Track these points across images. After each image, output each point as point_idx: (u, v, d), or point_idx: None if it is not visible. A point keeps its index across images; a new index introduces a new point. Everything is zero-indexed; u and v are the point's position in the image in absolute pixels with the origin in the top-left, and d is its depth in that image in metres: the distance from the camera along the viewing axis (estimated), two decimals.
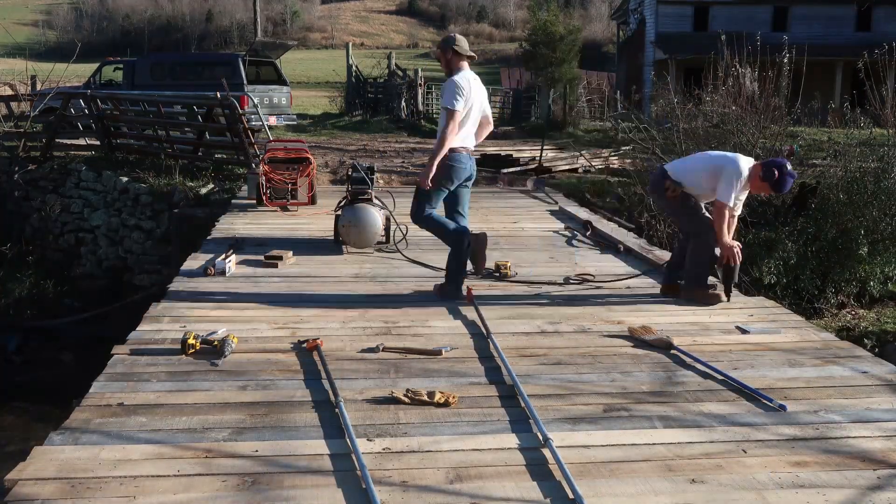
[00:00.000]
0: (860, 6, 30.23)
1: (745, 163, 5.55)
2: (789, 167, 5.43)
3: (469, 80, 5.72)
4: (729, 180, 5.46)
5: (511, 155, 14.45)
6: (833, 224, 8.56)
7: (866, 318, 7.95)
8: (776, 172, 5.36)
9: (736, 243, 5.66)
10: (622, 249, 7.54)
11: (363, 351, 4.57)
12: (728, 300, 5.77)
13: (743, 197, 5.70)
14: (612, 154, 14.64)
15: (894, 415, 3.74)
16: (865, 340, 7.04)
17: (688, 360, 4.48)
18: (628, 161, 13.57)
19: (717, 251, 5.74)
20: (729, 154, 5.88)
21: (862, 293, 8.43)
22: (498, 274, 6.52)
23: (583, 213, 9.44)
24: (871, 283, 8.36)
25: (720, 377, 4.20)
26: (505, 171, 13.28)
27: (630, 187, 11.24)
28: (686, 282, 5.87)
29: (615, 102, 27.32)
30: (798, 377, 4.25)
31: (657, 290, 6.11)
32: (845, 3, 30.61)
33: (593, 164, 13.92)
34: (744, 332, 5.08)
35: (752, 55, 11.27)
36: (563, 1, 53.09)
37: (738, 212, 5.76)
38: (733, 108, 10.83)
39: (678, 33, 30.33)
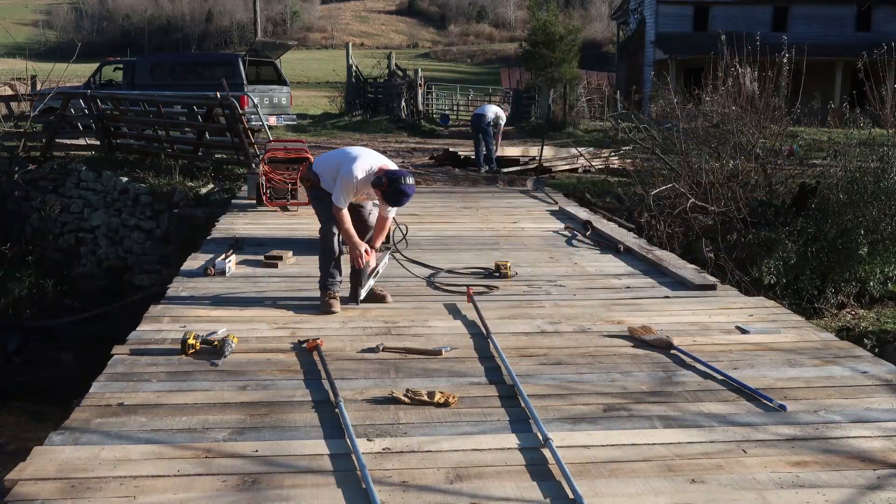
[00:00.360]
0: (860, 6, 30.23)
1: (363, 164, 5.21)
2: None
3: None
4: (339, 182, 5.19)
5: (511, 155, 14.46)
6: (833, 224, 8.55)
7: (866, 318, 7.96)
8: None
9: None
10: (622, 249, 7.54)
11: (363, 351, 4.57)
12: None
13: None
14: (612, 154, 14.63)
15: (894, 415, 3.74)
16: (865, 340, 7.04)
17: (688, 360, 4.48)
18: (628, 161, 13.57)
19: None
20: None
21: (862, 293, 8.43)
22: (498, 274, 6.53)
23: (583, 213, 9.43)
24: (871, 283, 8.36)
25: (720, 377, 4.20)
26: (505, 170, 13.29)
27: (630, 187, 11.25)
28: None
29: (615, 102, 27.31)
30: (798, 377, 4.25)
31: (657, 290, 6.10)
32: (845, 3, 30.61)
33: (593, 164, 13.91)
34: (744, 332, 5.08)
35: (752, 55, 11.27)
36: (563, 1, 53.05)
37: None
38: (733, 108, 10.82)
39: (678, 33, 30.32)
